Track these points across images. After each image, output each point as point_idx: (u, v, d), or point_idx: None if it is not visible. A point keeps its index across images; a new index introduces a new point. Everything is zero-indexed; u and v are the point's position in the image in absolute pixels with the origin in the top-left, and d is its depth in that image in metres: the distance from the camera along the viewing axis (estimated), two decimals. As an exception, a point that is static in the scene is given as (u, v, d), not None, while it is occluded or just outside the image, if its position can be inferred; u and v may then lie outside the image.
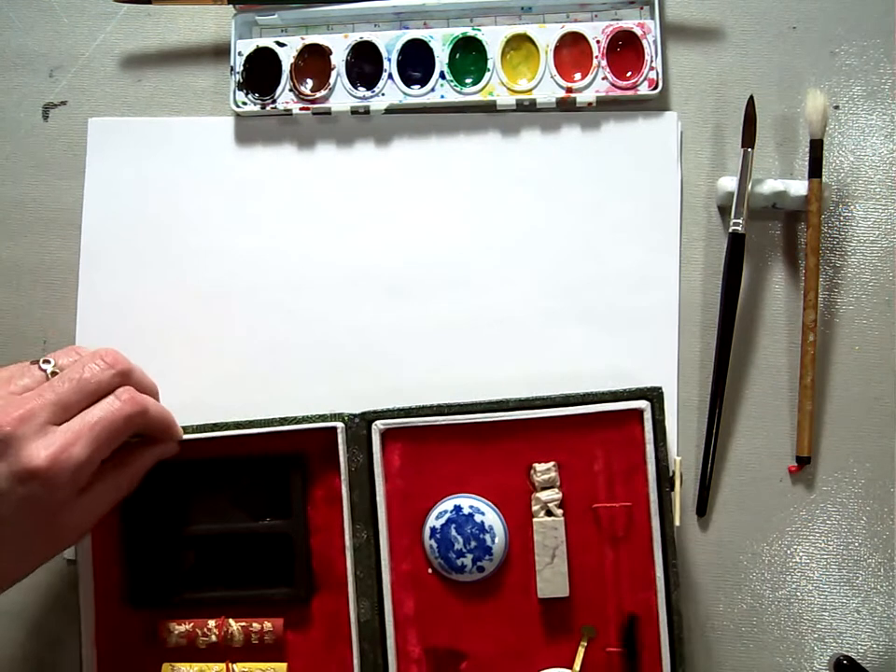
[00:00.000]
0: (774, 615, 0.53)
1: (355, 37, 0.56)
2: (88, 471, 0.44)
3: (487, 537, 0.49)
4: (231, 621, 0.50)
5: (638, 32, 0.55)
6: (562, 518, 0.49)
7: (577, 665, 0.49)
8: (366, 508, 0.50)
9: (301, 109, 0.56)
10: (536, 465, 0.50)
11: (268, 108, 0.56)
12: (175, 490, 0.51)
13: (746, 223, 0.53)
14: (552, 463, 0.50)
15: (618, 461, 0.50)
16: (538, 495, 0.50)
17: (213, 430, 0.51)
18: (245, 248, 0.56)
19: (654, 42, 0.55)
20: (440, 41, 0.56)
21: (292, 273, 0.56)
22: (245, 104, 0.56)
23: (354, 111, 0.56)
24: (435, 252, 0.56)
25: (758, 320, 0.54)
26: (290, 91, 0.56)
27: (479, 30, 0.56)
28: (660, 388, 0.50)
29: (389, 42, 0.56)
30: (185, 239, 0.56)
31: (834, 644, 0.53)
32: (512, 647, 0.50)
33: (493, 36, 0.56)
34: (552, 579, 0.49)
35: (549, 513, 0.50)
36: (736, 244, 0.53)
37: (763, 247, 0.55)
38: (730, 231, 0.53)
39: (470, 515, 0.49)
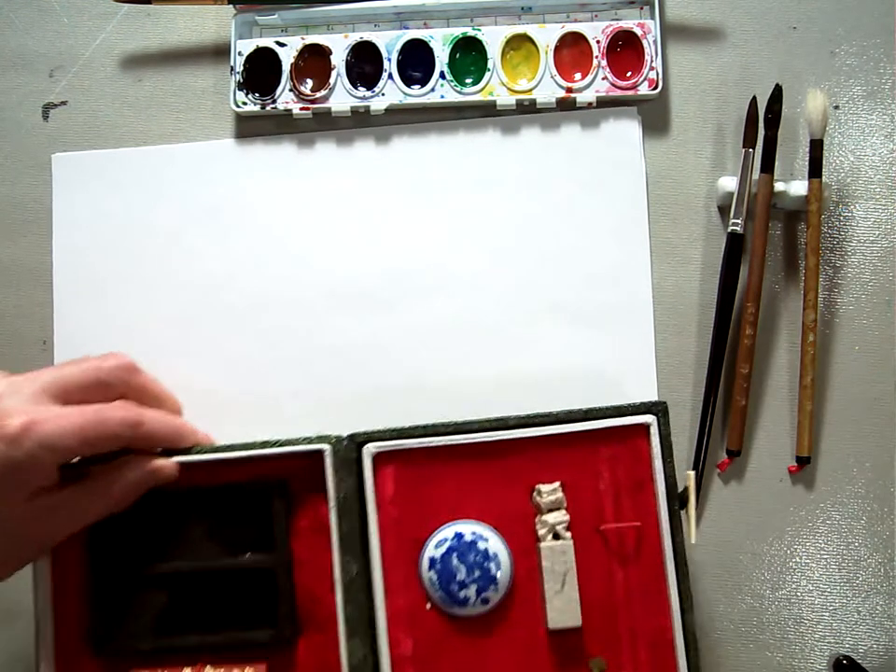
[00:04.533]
0: (774, 615, 0.53)
1: (355, 37, 0.56)
2: (63, 454, 0.42)
3: (492, 565, 0.45)
4: (208, 668, 0.45)
5: (638, 32, 0.55)
6: (571, 541, 0.46)
7: None
8: (356, 538, 0.46)
9: (301, 109, 0.56)
10: (541, 486, 0.46)
11: (268, 108, 0.56)
12: (146, 523, 0.46)
13: (745, 223, 0.53)
14: (557, 483, 0.46)
15: (624, 478, 0.46)
16: (544, 517, 0.46)
17: (187, 455, 0.46)
18: (230, 262, 0.56)
19: (654, 42, 0.55)
20: (440, 41, 0.56)
21: (276, 286, 0.55)
22: (245, 104, 0.56)
23: (354, 111, 0.56)
24: (426, 256, 0.55)
25: (758, 320, 0.54)
26: (290, 90, 0.56)
27: (479, 30, 0.56)
28: (664, 403, 0.47)
29: (389, 42, 0.56)
30: (163, 258, 0.56)
31: (834, 644, 0.53)
32: None
33: (493, 36, 0.56)
34: (563, 608, 0.45)
35: (556, 536, 0.46)
36: (734, 244, 0.53)
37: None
38: (728, 231, 0.53)
39: (473, 542, 0.45)
